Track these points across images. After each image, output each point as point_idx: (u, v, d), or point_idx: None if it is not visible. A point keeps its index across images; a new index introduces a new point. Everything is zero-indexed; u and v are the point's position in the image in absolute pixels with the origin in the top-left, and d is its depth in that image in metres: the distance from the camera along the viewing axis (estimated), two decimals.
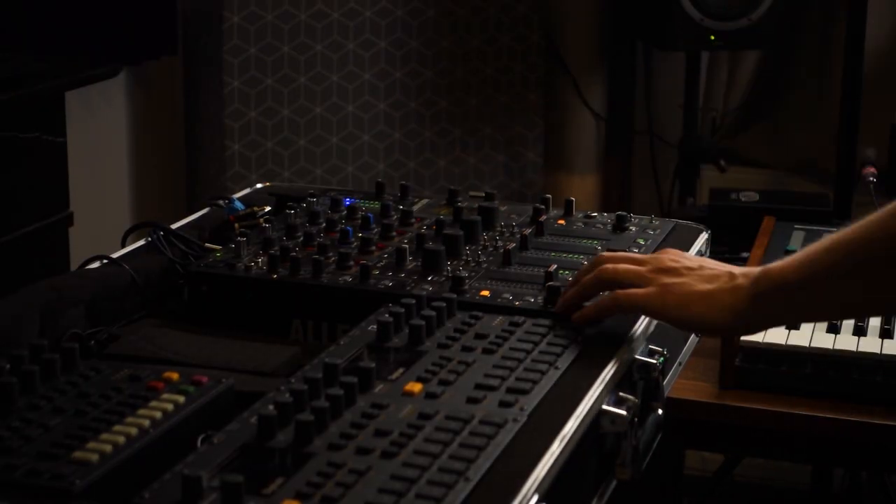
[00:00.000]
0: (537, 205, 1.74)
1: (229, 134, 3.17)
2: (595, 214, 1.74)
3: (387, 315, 1.36)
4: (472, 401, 1.19)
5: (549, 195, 1.77)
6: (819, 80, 3.32)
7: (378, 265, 1.53)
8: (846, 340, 1.84)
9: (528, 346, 1.32)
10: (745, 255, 2.21)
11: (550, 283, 1.46)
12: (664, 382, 1.45)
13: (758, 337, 1.86)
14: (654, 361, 1.41)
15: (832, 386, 1.83)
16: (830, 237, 1.32)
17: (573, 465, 1.18)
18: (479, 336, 1.34)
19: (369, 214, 1.68)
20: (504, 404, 1.19)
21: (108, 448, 1.09)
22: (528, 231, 1.64)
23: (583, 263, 1.56)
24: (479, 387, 1.22)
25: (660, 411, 1.43)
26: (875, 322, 1.89)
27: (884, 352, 1.82)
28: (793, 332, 1.87)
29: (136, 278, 1.57)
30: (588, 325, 1.40)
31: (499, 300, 1.45)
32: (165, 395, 1.19)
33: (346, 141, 3.26)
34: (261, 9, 3.13)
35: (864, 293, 1.31)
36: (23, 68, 2.52)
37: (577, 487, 1.23)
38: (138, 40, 3.20)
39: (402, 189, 1.81)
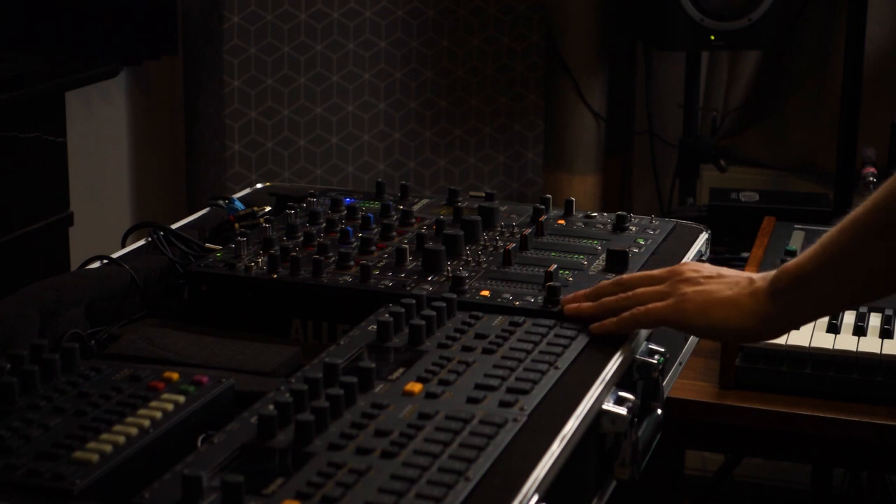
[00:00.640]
0: (537, 205, 1.74)
1: (229, 134, 3.17)
2: (595, 214, 1.75)
3: (387, 315, 1.36)
4: (472, 401, 1.19)
5: (549, 195, 1.77)
6: (819, 80, 3.32)
7: (378, 265, 1.53)
8: (846, 340, 1.84)
9: (528, 346, 1.32)
10: (745, 254, 2.21)
11: (550, 283, 1.46)
12: (664, 382, 1.45)
13: None
14: (654, 361, 1.41)
15: (832, 386, 1.83)
16: (839, 223, 1.32)
17: (573, 465, 1.18)
18: (479, 336, 1.34)
19: (369, 214, 1.68)
20: (504, 404, 1.19)
21: (108, 448, 1.09)
22: (528, 231, 1.64)
23: (583, 264, 1.57)
24: (479, 387, 1.22)
25: (660, 411, 1.43)
26: (875, 322, 1.89)
27: (884, 352, 1.82)
28: (793, 331, 1.87)
29: (136, 278, 1.57)
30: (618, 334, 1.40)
31: (499, 300, 1.45)
32: (165, 395, 1.19)
33: (346, 141, 3.26)
34: (261, 9, 3.13)
35: (881, 264, 1.30)
36: (23, 68, 2.52)
37: (577, 487, 1.23)
38: (138, 40, 3.20)
39: (402, 189, 1.81)
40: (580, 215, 1.75)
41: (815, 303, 1.36)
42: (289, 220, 1.65)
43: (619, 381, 1.33)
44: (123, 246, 1.71)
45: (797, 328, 1.46)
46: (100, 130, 3.24)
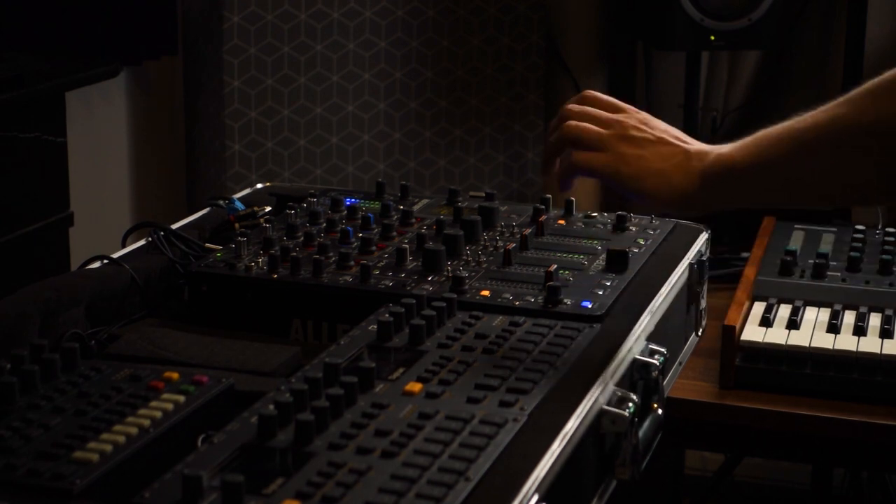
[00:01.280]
0: (537, 205, 1.74)
1: (229, 134, 3.16)
2: (595, 214, 1.75)
3: (387, 315, 1.36)
4: (472, 401, 1.19)
5: (549, 195, 1.77)
6: (819, 80, 3.32)
7: (378, 265, 1.54)
8: (846, 340, 1.84)
9: (528, 346, 1.32)
10: (745, 254, 2.21)
11: (550, 283, 1.46)
12: (664, 382, 1.45)
13: (758, 337, 1.86)
14: (654, 361, 1.41)
15: (832, 386, 1.82)
16: (779, 128, 1.37)
17: (573, 465, 1.18)
18: (479, 336, 1.34)
19: (369, 214, 1.68)
20: (504, 404, 1.19)
21: (108, 448, 1.09)
22: (528, 231, 1.64)
23: (583, 264, 1.57)
24: (479, 387, 1.22)
25: (660, 411, 1.43)
26: (875, 322, 1.89)
27: (884, 352, 1.82)
28: (793, 332, 1.87)
29: (136, 278, 1.57)
30: (564, 188, 1.49)
31: (499, 300, 1.45)
32: (165, 395, 1.19)
33: (346, 141, 3.26)
34: (261, 9, 3.13)
35: (810, 173, 1.35)
36: (23, 68, 2.52)
37: (577, 487, 1.23)
38: (138, 40, 3.20)
39: (402, 189, 1.81)
40: (580, 215, 1.75)
41: (741, 195, 1.43)
42: (289, 220, 1.65)
43: (619, 381, 1.33)
44: (123, 246, 1.71)
45: (720, 210, 1.55)
46: (100, 130, 3.23)
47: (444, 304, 1.39)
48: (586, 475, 1.26)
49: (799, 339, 1.85)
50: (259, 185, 2.00)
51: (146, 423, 1.14)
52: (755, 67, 3.39)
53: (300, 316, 1.49)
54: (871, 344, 1.84)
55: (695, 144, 1.46)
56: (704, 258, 1.73)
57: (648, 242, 1.65)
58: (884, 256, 2.03)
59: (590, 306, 1.44)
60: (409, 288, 1.47)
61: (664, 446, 1.49)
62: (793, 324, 1.88)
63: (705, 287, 1.77)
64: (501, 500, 1.05)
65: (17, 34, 2.93)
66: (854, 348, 1.83)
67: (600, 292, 1.48)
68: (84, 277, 1.54)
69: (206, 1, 3.18)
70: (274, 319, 1.50)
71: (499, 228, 1.68)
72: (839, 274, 2.00)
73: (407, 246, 1.57)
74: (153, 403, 1.18)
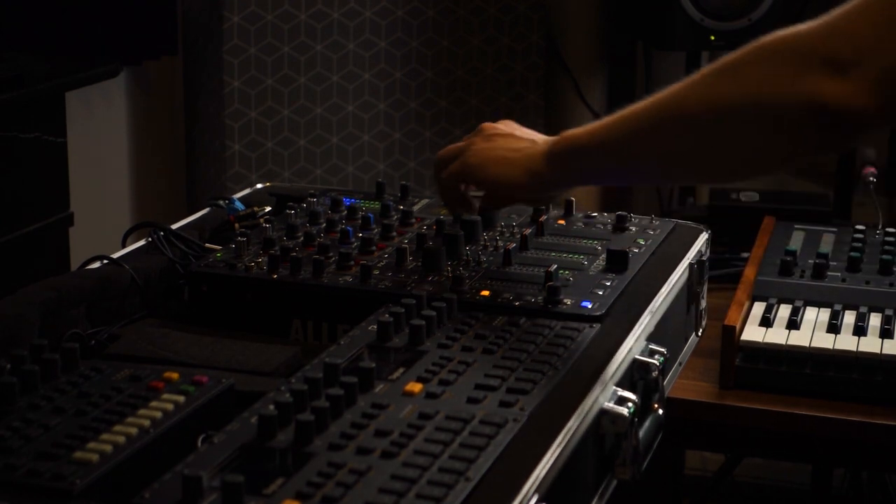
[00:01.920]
0: None
1: (229, 134, 3.16)
2: (595, 214, 1.75)
3: (387, 315, 1.36)
4: (472, 401, 1.19)
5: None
6: None
7: (378, 265, 1.53)
8: (846, 340, 1.84)
9: (528, 346, 1.32)
10: (745, 254, 2.21)
11: (550, 283, 1.46)
12: (664, 382, 1.45)
13: (758, 337, 1.86)
14: (654, 361, 1.41)
15: (832, 386, 1.82)
16: (622, 111, 1.44)
17: (573, 465, 1.18)
18: (479, 336, 1.34)
19: (369, 214, 1.68)
20: (504, 404, 1.19)
21: (108, 448, 1.09)
22: (528, 231, 1.64)
23: (583, 264, 1.57)
24: (479, 387, 1.22)
25: (660, 411, 1.43)
26: (875, 322, 1.89)
27: (884, 352, 1.82)
28: (793, 332, 1.87)
29: (136, 278, 1.57)
30: (467, 210, 1.60)
31: (499, 300, 1.45)
32: (165, 395, 1.19)
33: (346, 141, 3.26)
34: (261, 9, 3.13)
35: (639, 152, 1.41)
36: (23, 68, 2.52)
37: (577, 487, 1.23)
38: (138, 40, 3.20)
39: (402, 189, 1.81)
40: (580, 215, 1.74)
41: (584, 174, 1.51)
42: (289, 220, 1.65)
43: (619, 381, 1.33)
44: (123, 246, 1.70)
45: (565, 189, 1.64)
46: (100, 130, 3.24)
47: (444, 304, 1.39)
48: (586, 475, 1.26)
49: (799, 339, 1.85)
50: (259, 185, 2.00)
51: (146, 423, 1.14)
52: None
53: (300, 316, 1.49)
54: (871, 344, 1.84)
55: (546, 137, 1.53)
56: (704, 258, 1.73)
57: (648, 242, 1.65)
58: (884, 256, 2.03)
59: (590, 306, 1.44)
60: (409, 288, 1.47)
61: (664, 446, 1.49)
62: (793, 324, 1.88)
63: (705, 287, 1.77)
64: (501, 500, 1.05)
65: (17, 34, 2.93)
66: (854, 348, 1.83)
67: (600, 292, 1.48)
68: (84, 277, 1.54)
69: (206, 1, 3.18)
70: (274, 319, 1.50)
71: (499, 228, 1.68)
72: (839, 274, 2.00)
73: (407, 246, 1.57)
74: (153, 403, 1.18)
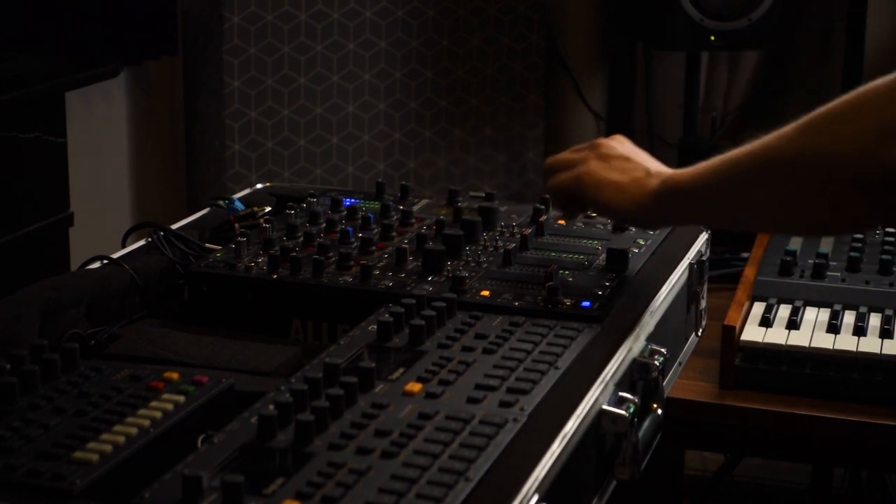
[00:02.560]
0: (537, 205, 1.74)
1: (229, 134, 3.16)
2: (595, 215, 1.74)
3: (387, 315, 1.36)
4: (472, 401, 1.19)
5: (549, 195, 1.77)
6: (819, 80, 3.32)
7: (378, 265, 1.53)
8: (846, 340, 1.84)
9: (528, 346, 1.32)
10: (745, 254, 2.21)
11: (550, 283, 1.46)
12: (664, 382, 1.45)
13: (758, 337, 1.86)
14: (654, 361, 1.41)
15: (832, 386, 1.82)
16: (729, 155, 1.40)
17: (573, 465, 1.18)
18: (479, 336, 1.34)
19: (369, 214, 1.68)
20: (504, 404, 1.19)
21: (108, 448, 1.09)
22: (528, 231, 1.64)
23: (583, 264, 1.57)
24: (479, 387, 1.22)
25: (660, 411, 1.43)
26: (875, 322, 1.89)
27: (884, 352, 1.82)
28: (793, 332, 1.87)
29: (136, 278, 1.57)
30: (570, 213, 1.62)
31: (499, 300, 1.45)
32: (165, 395, 1.19)
33: (346, 141, 3.26)
34: (261, 9, 3.13)
35: (742, 201, 1.38)
36: (23, 68, 2.52)
37: (577, 487, 1.23)
38: (138, 40, 3.20)
39: (402, 189, 1.81)
40: (580, 215, 1.74)
41: (687, 216, 1.53)
42: (289, 221, 1.65)
43: (619, 381, 1.33)
44: (123, 246, 1.70)
45: (672, 226, 1.67)
46: (100, 130, 3.24)
47: (444, 304, 1.39)
48: (586, 475, 1.26)
49: (799, 339, 1.85)
50: (259, 185, 2.00)
51: (146, 423, 1.14)
52: (755, 67, 3.39)
53: (300, 316, 1.49)
54: (871, 344, 1.84)
55: (659, 166, 1.52)
56: (704, 258, 1.73)
57: (648, 242, 1.65)
58: (884, 256, 2.03)
59: (590, 306, 1.44)
60: (409, 288, 1.47)
61: (664, 446, 1.49)
62: (793, 324, 1.88)
63: (705, 287, 1.77)
64: (501, 500, 1.05)
65: (17, 34, 2.93)
66: (854, 348, 1.83)
67: (600, 292, 1.48)
68: (84, 277, 1.54)
69: (206, 1, 3.18)
70: (274, 319, 1.50)
71: (499, 228, 1.68)
72: (839, 274, 2.00)
73: (407, 246, 1.57)
74: (153, 403, 1.18)
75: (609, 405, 1.28)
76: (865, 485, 2.94)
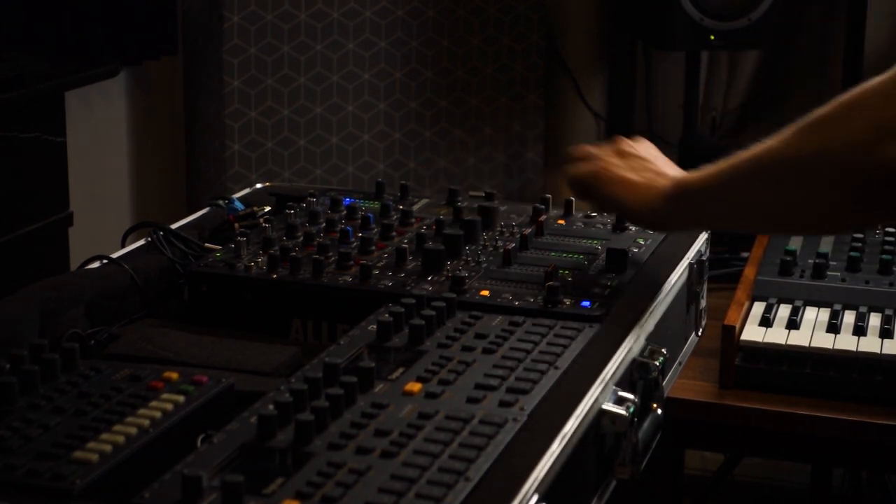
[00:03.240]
0: (537, 205, 1.74)
1: (229, 134, 3.16)
2: (595, 214, 1.74)
3: (387, 315, 1.36)
4: (472, 401, 1.19)
5: (549, 195, 1.77)
6: (819, 80, 3.32)
7: (378, 265, 1.53)
8: (846, 340, 1.84)
9: (528, 346, 1.32)
10: (745, 254, 2.21)
11: (550, 283, 1.46)
12: (664, 382, 1.45)
13: (758, 337, 1.86)
14: (654, 361, 1.41)
15: (832, 386, 1.83)
16: (739, 157, 1.41)
17: (573, 465, 1.18)
18: (479, 336, 1.34)
19: (369, 214, 1.68)
20: (504, 404, 1.19)
21: (108, 448, 1.09)
22: (528, 231, 1.64)
23: (583, 264, 1.57)
24: (479, 387, 1.22)
25: (659, 411, 1.43)
26: (875, 322, 1.89)
27: (884, 352, 1.82)
28: (793, 332, 1.87)
29: (136, 278, 1.57)
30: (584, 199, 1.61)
31: (499, 300, 1.45)
32: (165, 395, 1.19)
33: (346, 141, 3.26)
34: (261, 9, 3.13)
35: (748, 203, 1.40)
36: (23, 68, 2.52)
37: (577, 487, 1.23)
38: (138, 40, 3.20)
39: (402, 189, 1.81)
40: (580, 215, 1.74)
41: (696, 219, 1.53)
42: (289, 220, 1.65)
43: (619, 381, 1.33)
44: (123, 246, 1.70)
45: (683, 229, 1.68)
46: (100, 130, 3.24)
47: (444, 304, 1.39)
48: (586, 475, 1.26)
49: (799, 339, 1.85)
50: (259, 185, 2.00)
51: (146, 423, 1.14)
52: (755, 67, 3.39)
53: (300, 316, 1.49)
54: (871, 344, 1.84)
55: (676, 171, 1.54)
56: (704, 258, 1.73)
57: (648, 242, 1.65)
58: (884, 256, 2.03)
59: (590, 306, 1.44)
60: (408, 288, 1.47)
61: (664, 446, 1.49)
62: (793, 324, 1.88)
63: (705, 287, 1.77)
64: (501, 500, 1.05)
65: (17, 34, 2.93)
66: (854, 348, 1.83)
67: (600, 292, 1.48)
68: (84, 277, 1.54)
69: (206, 1, 3.18)
70: (274, 319, 1.50)
71: (499, 228, 1.68)
72: (839, 274, 2.00)
73: (407, 246, 1.57)
74: (153, 403, 1.18)
75: (609, 405, 1.28)
76: (865, 485, 2.94)
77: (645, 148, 1.59)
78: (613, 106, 3.44)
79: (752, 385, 1.85)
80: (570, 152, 1.62)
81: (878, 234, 2.14)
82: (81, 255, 1.73)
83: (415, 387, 1.21)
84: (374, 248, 1.58)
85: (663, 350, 1.45)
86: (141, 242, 1.70)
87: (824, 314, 1.92)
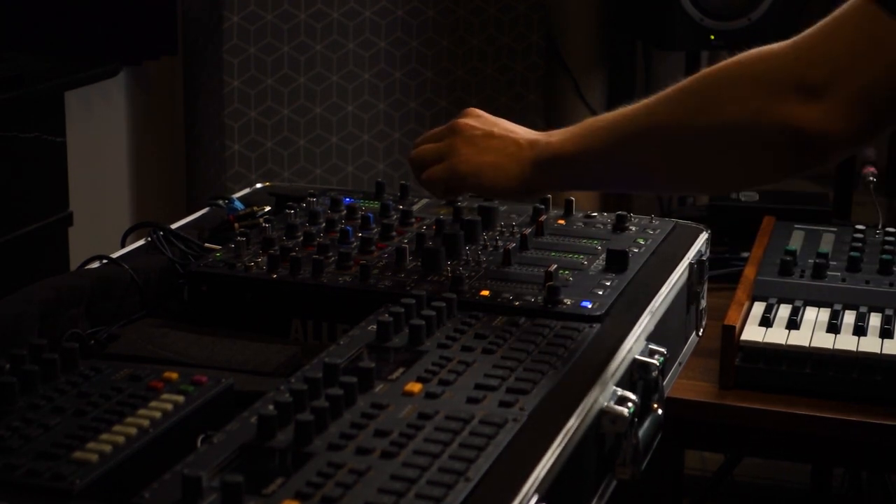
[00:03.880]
0: (537, 205, 1.73)
1: (229, 134, 3.17)
2: (595, 214, 1.74)
3: (387, 315, 1.36)
4: (472, 401, 1.19)
5: (548, 195, 1.77)
6: None
7: (378, 265, 1.53)
8: (846, 340, 1.84)
9: (528, 346, 1.32)
10: (745, 254, 2.21)
11: (550, 283, 1.46)
12: (664, 382, 1.45)
13: (758, 337, 1.86)
14: (654, 361, 1.41)
15: (832, 386, 1.83)
16: (605, 117, 1.47)
17: (573, 465, 1.18)
18: (479, 336, 1.34)
19: (369, 214, 1.68)
20: (504, 404, 1.19)
21: (108, 448, 1.09)
22: (528, 231, 1.64)
23: (583, 264, 1.57)
24: (479, 387, 1.22)
25: (660, 411, 1.43)
26: (875, 322, 1.89)
27: (884, 352, 1.82)
28: (793, 332, 1.87)
29: (136, 278, 1.57)
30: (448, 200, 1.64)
31: (499, 300, 1.45)
32: (165, 395, 1.19)
33: (346, 141, 3.26)
34: (261, 9, 3.13)
35: (624, 164, 1.44)
36: (23, 68, 2.52)
37: (577, 487, 1.23)
38: (138, 40, 3.20)
39: (402, 189, 1.80)
40: (580, 215, 1.74)
41: (573, 180, 1.55)
42: (288, 220, 1.65)
43: (620, 381, 1.33)
44: (123, 246, 1.70)
45: (556, 192, 1.69)
46: (100, 130, 3.24)
47: (444, 304, 1.39)
48: (586, 475, 1.26)
49: (799, 339, 1.85)
50: (259, 185, 1.99)
51: (146, 423, 1.14)
52: None
53: (300, 316, 1.49)
54: (871, 344, 1.84)
55: (525, 133, 1.55)
56: (704, 258, 1.73)
57: (648, 242, 1.65)
58: (884, 256, 2.03)
59: (590, 306, 1.44)
60: (408, 288, 1.47)
61: (664, 446, 1.49)
62: (793, 324, 1.88)
63: (705, 287, 1.77)
64: (501, 500, 1.05)
65: (17, 34, 2.93)
66: (854, 348, 1.83)
67: (600, 292, 1.48)
68: (84, 277, 1.54)
69: (206, 1, 3.18)
70: (274, 319, 1.50)
71: (499, 228, 1.68)
72: (839, 274, 2.00)
73: (407, 246, 1.57)
74: (153, 403, 1.18)
75: (609, 405, 1.28)
76: (865, 485, 2.94)
77: (483, 121, 1.58)
78: (613, 106, 3.42)
79: (753, 385, 1.85)
80: (413, 159, 1.61)
81: (878, 233, 2.14)
82: (81, 255, 1.73)
83: (415, 387, 1.21)
84: (374, 248, 1.58)
85: (663, 350, 1.45)
86: (141, 242, 1.70)
87: (824, 314, 1.92)
